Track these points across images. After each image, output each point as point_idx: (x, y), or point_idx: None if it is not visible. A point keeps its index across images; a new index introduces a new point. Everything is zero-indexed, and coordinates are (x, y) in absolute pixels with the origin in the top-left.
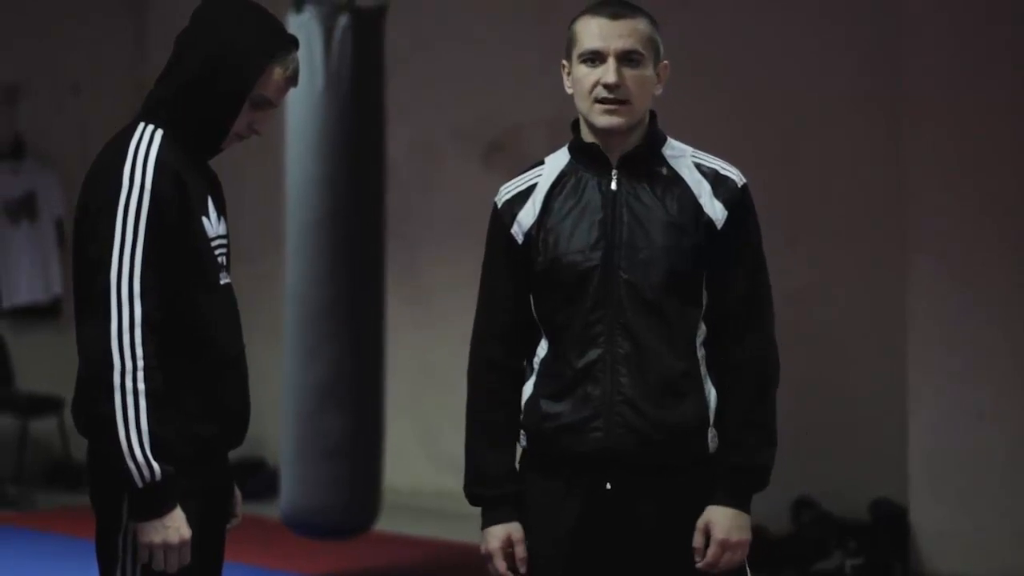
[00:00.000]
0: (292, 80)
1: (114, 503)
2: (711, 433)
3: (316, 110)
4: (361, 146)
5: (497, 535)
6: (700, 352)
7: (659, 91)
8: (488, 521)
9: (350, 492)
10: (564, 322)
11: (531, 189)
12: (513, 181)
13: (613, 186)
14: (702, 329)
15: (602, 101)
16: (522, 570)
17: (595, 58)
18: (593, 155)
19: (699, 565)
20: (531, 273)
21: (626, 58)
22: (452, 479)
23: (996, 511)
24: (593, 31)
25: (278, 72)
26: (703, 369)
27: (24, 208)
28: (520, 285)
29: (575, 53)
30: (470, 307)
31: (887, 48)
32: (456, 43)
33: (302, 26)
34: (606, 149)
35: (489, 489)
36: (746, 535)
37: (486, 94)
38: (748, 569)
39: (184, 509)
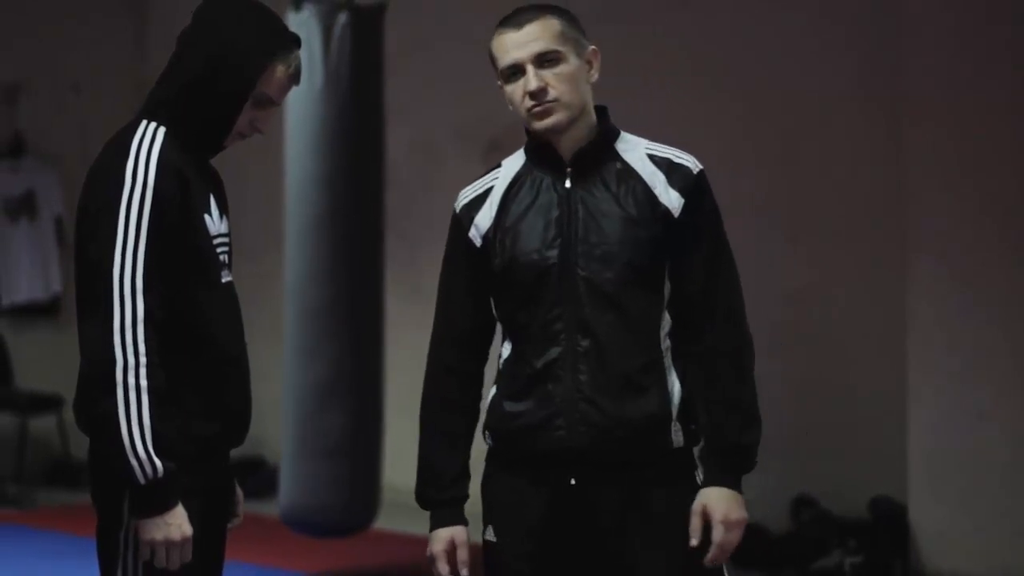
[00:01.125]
0: (294, 78)
1: (115, 501)
2: (675, 427)
3: (315, 108)
4: (360, 144)
5: (443, 538)
6: (665, 344)
7: (594, 78)
8: (436, 523)
9: (350, 490)
10: (524, 321)
11: (488, 192)
12: (471, 186)
13: (567, 184)
14: (666, 320)
15: (533, 108)
16: (463, 573)
17: (515, 71)
18: (547, 155)
19: (709, 557)
20: (491, 275)
21: (542, 61)
22: None
23: (996, 510)
24: (505, 46)
25: (280, 70)
26: (667, 361)
27: (24, 206)
28: (480, 288)
29: (498, 72)
30: None
31: (887, 48)
32: (456, 42)
33: (301, 24)
34: (559, 149)
35: (439, 492)
36: (744, 513)
37: (486, 93)
38: (725, 570)
39: (185, 508)
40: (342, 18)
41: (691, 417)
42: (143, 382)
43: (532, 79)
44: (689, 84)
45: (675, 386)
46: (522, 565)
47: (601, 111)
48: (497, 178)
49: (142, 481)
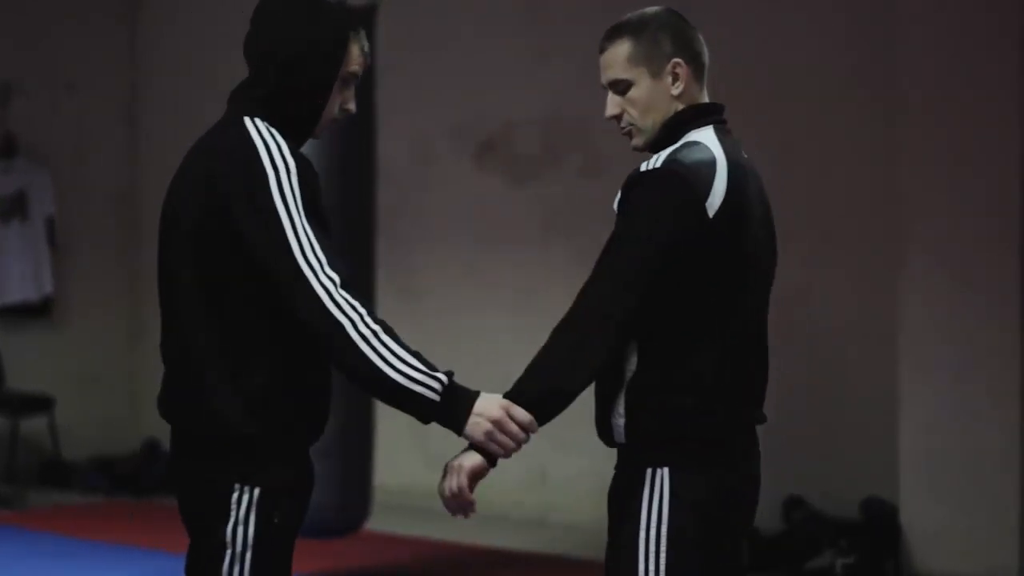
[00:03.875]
0: (368, 55)
1: (221, 496)
2: (615, 418)
3: None
4: (352, 144)
5: None
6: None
7: (677, 91)
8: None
9: (341, 491)
10: None
11: None
12: None
13: None
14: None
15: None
16: None
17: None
18: None
19: None
20: None
21: (615, 88)
22: None
23: (987, 510)
24: (600, 65)
25: (356, 48)
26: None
27: (15, 207)
28: None
29: None
30: (462, 304)
31: (887, 48)
32: (449, 42)
33: None
34: None
35: None
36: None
37: (479, 94)
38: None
39: (289, 507)
40: None
41: (632, 407)
42: (374, 326)
43: (608, 106)
44: None
45: (622, 378)
46: None
47: (687, 111)
48: None
49: (436, 399)
